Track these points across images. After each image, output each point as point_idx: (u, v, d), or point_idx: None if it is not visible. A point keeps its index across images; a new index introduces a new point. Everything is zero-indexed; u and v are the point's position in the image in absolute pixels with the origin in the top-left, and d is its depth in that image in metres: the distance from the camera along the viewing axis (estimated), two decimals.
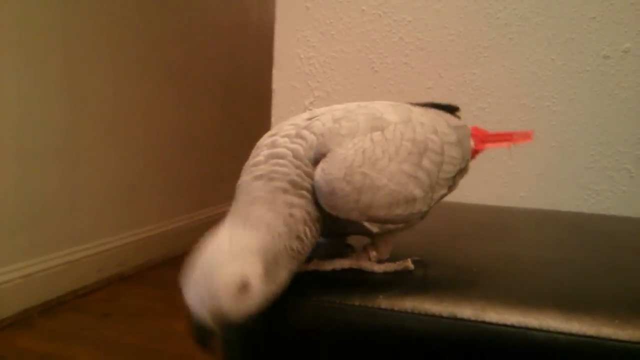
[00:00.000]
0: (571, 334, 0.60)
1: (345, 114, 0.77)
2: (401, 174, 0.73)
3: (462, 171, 0.85)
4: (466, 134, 0.86)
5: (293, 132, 0.73)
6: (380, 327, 0.66)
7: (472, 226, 0.85)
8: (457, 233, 0.96)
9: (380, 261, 0.78)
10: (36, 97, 2.29)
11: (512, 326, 0.62)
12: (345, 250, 0.82)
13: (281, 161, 0.70)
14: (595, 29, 1.46)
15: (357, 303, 0.68)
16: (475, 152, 0.89)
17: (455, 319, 0.64)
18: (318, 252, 0.83)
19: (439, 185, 0.78)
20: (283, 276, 0.67)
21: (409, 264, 0.78)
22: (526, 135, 0.94)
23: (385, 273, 0.77)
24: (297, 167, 0.70)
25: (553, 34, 1.49)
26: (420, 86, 1.60)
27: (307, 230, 0.69)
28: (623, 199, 1.48)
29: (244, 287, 0.61)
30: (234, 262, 0.61)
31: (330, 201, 0.70)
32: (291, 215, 0.67)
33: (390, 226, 0.76)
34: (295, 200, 0.68)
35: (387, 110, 0.78)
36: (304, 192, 0.69)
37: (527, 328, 0.61)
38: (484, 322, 0.63)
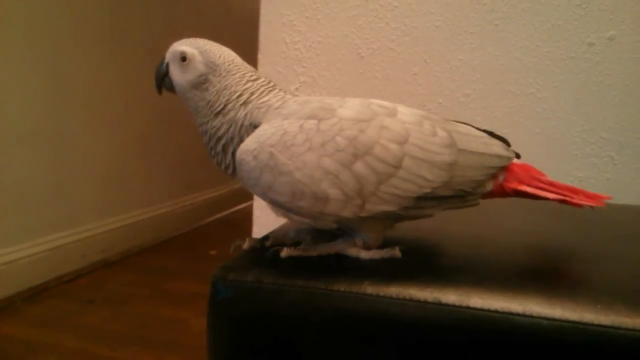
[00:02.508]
0: (554, 319, 0.60)
1: (311, 100, 0.77)
2: (316, 168, 0.70)
3: (445, 200, 0.77)
4: (482, 164, 0.76)
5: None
6: (365, 313, 0.66)
7: (456, 212, 0.85)
8: (440, 219, 0.96)
9: (367, 248, 0.78)
10: (18, 82, 2.26)
11: (496, 311, 0.62)
12: (332, 237, 0.82)
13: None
14: (581, 16, 1.46)
15: (342, 289, 0.68)
16: (502, 190, 0.81)
17: (439, 305, 0.64)
18: (305, 238, 0.83)
19: (378, 197, 0.71)
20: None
21: (397, 252, 0.76)
22: (596, 200, 0.81)
23: (372, 260, 0.77)
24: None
25: (539, 21, 1.49)
26: (406, 72, 1.60)
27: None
28: (606, 186, 1.49)
29: (183, 58, 0.83)
30: (186, 45, 0.84)
31: (239, 171, 0.74)
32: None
33: (294, 216, 0.75)
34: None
35: (351, 106, 0.75)
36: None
37: (510, 313, 0.61)
38: (468, 308, 0.63)
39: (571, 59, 1.48)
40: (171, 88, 0.87)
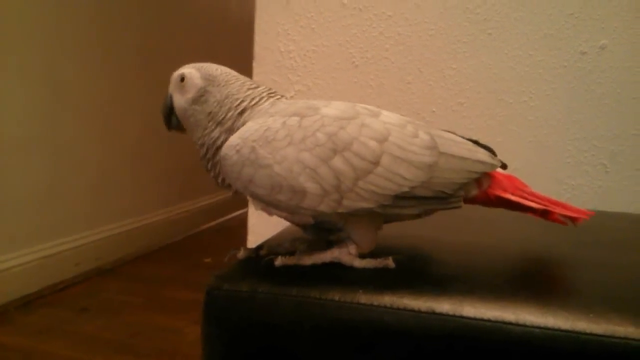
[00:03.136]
0: (547, 328, 0.60)
1: (298, 101, 0.79)
2: (295, 162, 0.71)
3: (425, 201, 0.76)
4: (463, 168, 0.77)
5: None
6: (359, 322, 0.66)
7: (450, 221, 0.86)
8: (433, 227, 0.97)
9: (362, 256, 0.78)
10: (11, 90, 2.26)
11: (489, 320, 0.62)
12: (327, 246, 0.82)
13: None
14: (573, 25, 1.47)
15: (336, 298, 0.68)
16: (485, 197, 0.81)
17: (433, 314, 0.64)
18: (299, 247, 0.84)
19: (356, 194, 0.72)
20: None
21: (390, 262, 0.77)
22: (579, 213, 0.82)
23: (365, 269, 0.77)
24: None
25: (531, 30, 1.50)
26: (400, 81, 1.60)
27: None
28: (599, 194, 1.50)
29: (181, 78, 0.84)
30: (184, 67, 0.86)
31: (223, 166, 0.75)
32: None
33: (274, 210, 0.76)
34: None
35: (336, 106, 0.77)
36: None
37: (503, 322, 0.62)
38: (461, 317, 0.63)
39: (563, 67, 1.50)
40: (178, 125, 0.88)
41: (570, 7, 1.47)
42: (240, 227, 1.98)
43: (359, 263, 0.77)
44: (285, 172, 0.71)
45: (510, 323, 0.62)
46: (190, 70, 0.84)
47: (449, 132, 0.82)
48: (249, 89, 0.82)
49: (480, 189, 0.81)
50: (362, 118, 0.74)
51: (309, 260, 0.78)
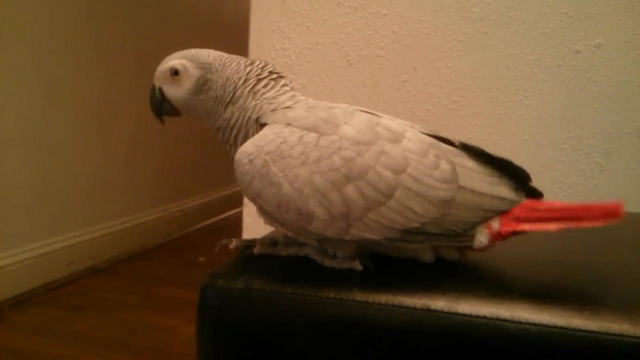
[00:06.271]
0: (542, 325, 0.60)
1: (319, 108, 0.77)
2: (307, 184, 0.69)
3: (433, 237, 0.72)
4: (480, 206, 0.72)
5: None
6: (354, 319, 0.66)
7: None
8: None
9: (334, 257, 0.77)
10: (8, 88, 2.24)
11: (484, 317, 0.62)
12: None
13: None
14: (568, 24, 1.48)
15: (332, 295, 0.68)
16: (498, 236, 0.74)
17: (428, 311, 0.64)
18: (281, 240, 0.84)
19: (364, 224, 0.70)
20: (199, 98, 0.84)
21: (357, 264, 0.75)
22: (608, 215, 0.69)
23: (332, 268, 0.76)
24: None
25: (526, 29, 1.50)
26: (396, 79, 1.60)
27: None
28: (594, 192, 1.50)
29: (174, 72, 0.83)
30: (172, 59, 0.85)
31: (235, 171, 0.74)
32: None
33: (279, 227, 0.76)
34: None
35: (356, 124, 0.73)
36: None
37: (498, 319, 0.62)
38: (456, 314, 0.63)
39: (558, 66, 1.50)
40: (172, 111, 0.88)
41: (565, 6, 1.47)
42: (234, 226, 1.98)
43: (329, 262, 0.77)
44: (294, 193, 0.70)
45: (505, 320, 0.62)
46: (181, 62, 0.84)
47: (479, 151, 0.77)
48: (246, 66, 0.83)
49: (492, 233, 0.74)
50: (381, 144, 0.71)
51: (285, 251, 0.80)
